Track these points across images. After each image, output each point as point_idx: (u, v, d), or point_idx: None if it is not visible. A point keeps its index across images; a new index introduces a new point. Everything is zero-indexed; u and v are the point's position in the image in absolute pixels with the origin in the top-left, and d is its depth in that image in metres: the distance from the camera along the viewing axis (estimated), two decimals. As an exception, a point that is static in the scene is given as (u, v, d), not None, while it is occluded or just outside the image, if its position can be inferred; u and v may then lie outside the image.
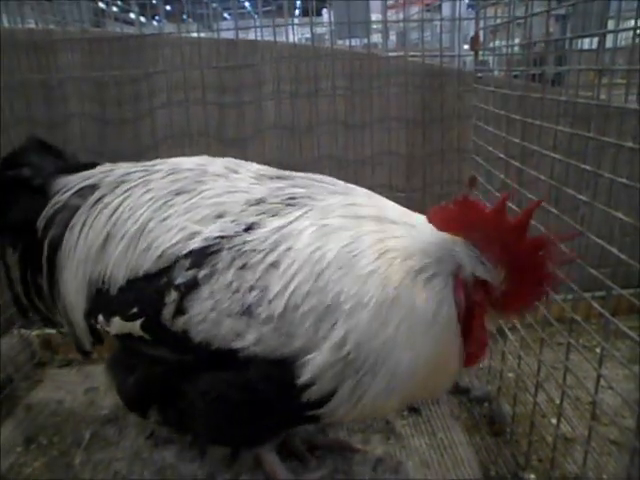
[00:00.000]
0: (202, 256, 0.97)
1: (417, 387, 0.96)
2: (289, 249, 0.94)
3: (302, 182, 1.09)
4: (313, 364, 0.91)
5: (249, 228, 0.97)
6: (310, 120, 2.03)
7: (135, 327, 1.05)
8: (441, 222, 0.93)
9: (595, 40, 1.19)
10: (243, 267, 0.94)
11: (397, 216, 1.00)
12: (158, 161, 1.23)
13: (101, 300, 1.12)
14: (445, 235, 0.92)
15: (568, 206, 1.21)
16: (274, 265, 0.93)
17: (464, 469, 1.38)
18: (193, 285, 0.96)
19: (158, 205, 1.08)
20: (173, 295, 0.98)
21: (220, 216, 1.01)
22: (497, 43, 1.88)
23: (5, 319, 1.84)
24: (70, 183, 1.23)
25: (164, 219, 1.05)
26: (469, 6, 3.98)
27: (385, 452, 1.44)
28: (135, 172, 1.19)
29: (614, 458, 1.31)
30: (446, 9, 3.06)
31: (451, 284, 0.92)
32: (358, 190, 1.11)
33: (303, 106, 2.02)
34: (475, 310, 0.93)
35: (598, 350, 1.08)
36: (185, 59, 1.94)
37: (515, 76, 1.60)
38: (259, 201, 1.02)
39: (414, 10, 2.68)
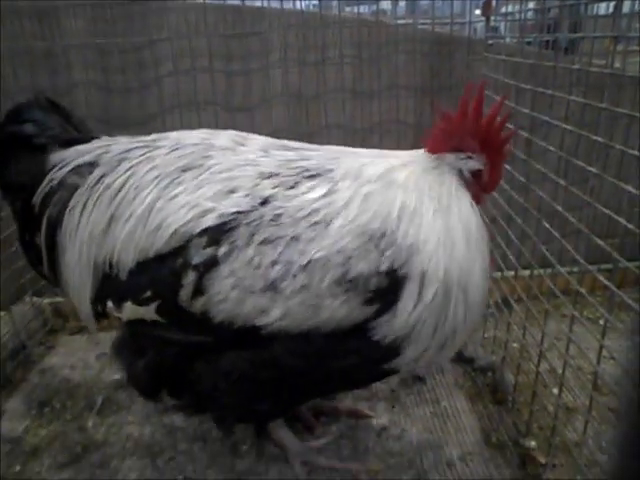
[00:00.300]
0: (219, 233, 0.94)
1: (483, 298, 1.04)
2: (310, 221, 0.92)
3: (308, 153, 1.07)
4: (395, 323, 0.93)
5: (265, 202, 0.95)
6: (318, 88, 2.00)
7: (149, 311, 1.02)
8: (432, 147, 1.04)
9: (612, 5, 1.16)
10: (264, 242, 0.91)
11: (399, 158, 1.06)
12: (158, 136, 1.17)
13: (110, 285, 1.08)
14: (439, 155, 1.03)
15: (577, 178, 1.20)
16: (296, 238, 0.91)
17: (466, 436, 1.41)
18: (212, 264, 0.93)
19: (165, 183, 1.04)
20: (191, 276, 0.95)
21: (233, 191, 0.98)
22: (509, 9, 1.83)
23: (17, 287, 1.87)
24: (67, 158, 1.17)
25: (173, 197, 1.01)
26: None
27: (390, 420, 1.48)
28: (136, 148, 1.13)
29: (613, 426, 1.33)
30: (458, -27, 2.96)
31: (464, 187, 1.03)
32: (355, 151, 1.10)
33: (311, 74, 1.99)
34: (475, 200, 1.05)
35: (602, 322, 1.09)
36: (191, 26, 1.91)
37: (528, 43, 1.57)
38: (272, 174, 0.99)
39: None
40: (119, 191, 1.08)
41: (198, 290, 0.95)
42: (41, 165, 1.19)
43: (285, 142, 1.14)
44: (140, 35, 1.92)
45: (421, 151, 1.06)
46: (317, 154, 1.06)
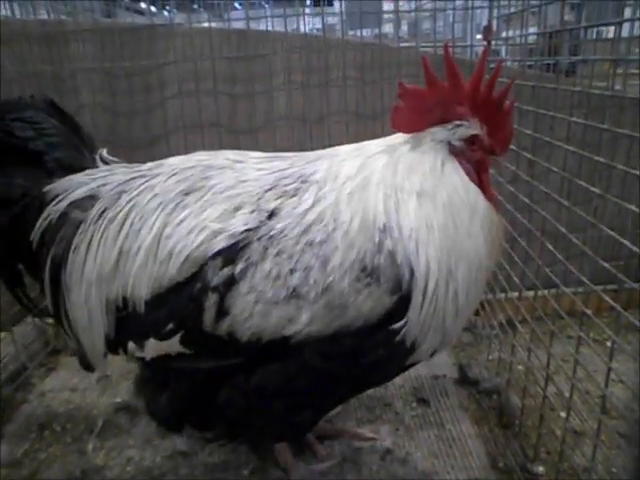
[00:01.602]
0: (233, 252, 0.93)
1: (490, 256, 1.00)
2: (319, 225, 0.93)
3: (297, 160, 1.07)
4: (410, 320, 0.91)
5: (272, 214, 0.95)
6: (321, 111, 2.02)
7: (173, 344, 0.99)
8: (408, 126, 1.00)
9: (611, 29, 1.17)
10: (278, 253, 0.92)
11: (378, 147, 1.02)
12: (154, 164, 1.15)
13: (128, 325, 1.04)
14: (418, 133, 0.99)
15: (580, 198, 1.20)
16: (309, 243, 0.91)
17: (472, 460, 1.38)
18: (231, 283, 0.93)
19: (170, 209, 1.02)
20: (212, 298, 0.94)
21: (238, 209, 0.97)
22: (510, 33, 1.85)
23: (19, 308, 1.86)
24: (67, 189, 1.11)
25: (180, 222, 0.99)
26: (482, -5, 3.93)
27: (394, 443, 1.45)
28: (134, 179, 1.10)
29: (623, 451, 1.30)
30: (459, -2, 3.01)
31: (456, 161, 0.98)
32: (334, 150, 1.09)
33: (314, 97, 2.01)
34: (479, 167, 1.00)
35: (609, 344, 1.08)
36: (196, 49, 1.94)
37: (529, 66, 1.58)
38: (272, 185, 0.99)
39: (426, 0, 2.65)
40: (123, 224, 1.04)
41: (221, 311, 0.94)
42: (34, 178, 1.12)
43: (276, 154, 1.13)
44: (147, 59, 1.96)
45: (399, 135, 1.03)
46: (301, 160, 1.07)
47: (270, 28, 2.00)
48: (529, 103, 1.42)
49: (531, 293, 1.46)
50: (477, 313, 1.94)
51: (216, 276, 0.93)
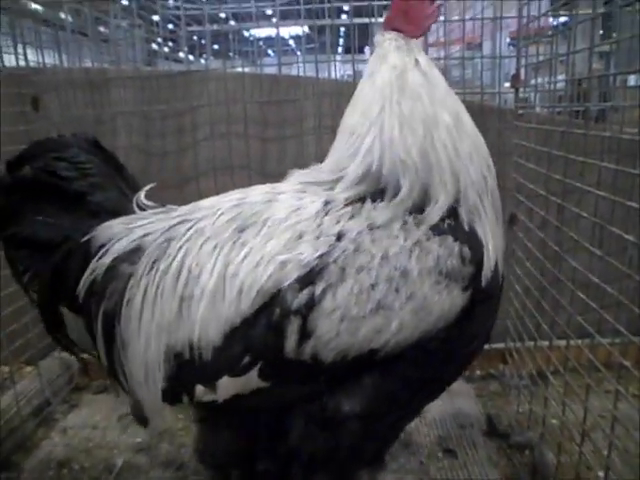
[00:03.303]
0: (311, 277, 0.94)
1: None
2: (390, 238, 0.95)
3: (334, 184, 1.08)
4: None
5: (340, 237, 0.96)
6: (349, 155, 2.04)
7: (250, 379, 0.96)
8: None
9: (641, 76, 1.17)
10: (357, 271, 0.94)
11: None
12: (189, 208, 1.13)
13: (194, 369, 1.00)
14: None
15: (614, 247, 1.17)
16: (385, 257, 0.94)
17: (502, 521, 1.30)
18: (312, 304, 0.93)
19: (228, 249, 1.01)
20: (295, 322, 0.93)
21: (301, 237, 0.98)
22: (539, 80, 1.86)
23: (48, 343, 1.89)
24: (106, 241, 1.08)
25: (243, 259, 0.99)
26: (510, 44, 4.00)
27: (418, 497, 1.38)
28: (177, 225, 1.08)
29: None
30: (487, 47, 3.07)
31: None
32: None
33: (343, 141, 2.04)
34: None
35: (649, 399, 1.02)
36: (229, 93, 2.01)
37: (558, 113, 1.58)
38: (326, 211, 1.00)
39: (455, 48, 2.70)
40: (180, 273, 1.03)
41: (305, 334, 0.93)
42: (76, 221, 1.10)
43: (305, 183, 1.12)
44: (182, 102, 2.03)
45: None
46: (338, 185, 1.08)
47: (302, 73, 2.06)
48: (559, 148, 1.41)
49: (563, 342, 1.40)
50: (505, 361, 1.88)
51: (296, 299, 0.93)
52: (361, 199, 1.01)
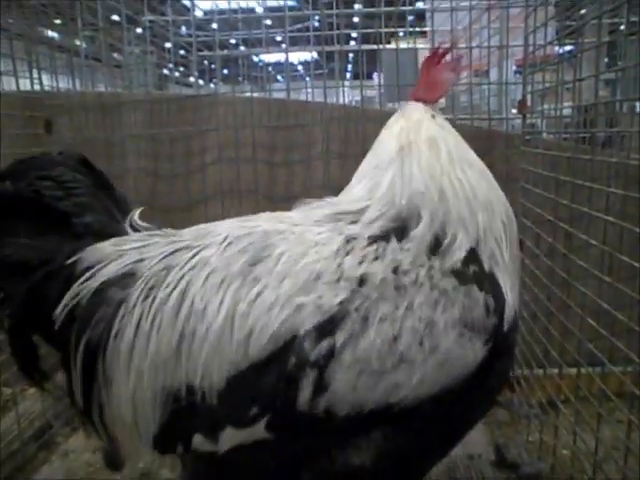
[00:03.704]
0: (330, 324, 0.87)
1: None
2: (416, 287, 0.90)
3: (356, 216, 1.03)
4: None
5: (362, 281, 0.89)
6: (357, 180, 2.05)
7: (256, 431, 0.88)
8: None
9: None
10: (380, 321, 0.87)
11: None
12: (193, 233, 1.03)
13: (193, 416, 0.90)
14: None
15: (623, 274, 1.15)
16: (409, 307, 0.88)
17: None
18: (331, 355, 0.86)
19: (238, 284, 0.92)
20: (311, 374, 0.86)
21: (319, 277, 0.90)
22: (545, 106, 1.87)
23: (50, 365, 1.88)
24: (94, 263, 0.97)
25: (256, 297, 0.90)
26: (516, 72, 4.04)
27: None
28: (178, 252, 0.98)
29: None
30: (493, 74, 3.10)
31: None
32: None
33: (352, 167, 2.04)
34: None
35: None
36: (238, 118, 2.03)
37: (564, 139, 1.59)
38: (347, 250, 0.93)
39: (462, 75, 2.74)
40: (181, 304, 0.92)
41: (320, 387, 0.86)
42: (59, 243, 1.00)
43: (322, 210, 1.07)
44: (190, 125, 2.06)
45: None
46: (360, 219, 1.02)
47: (310, 99, 2.09)
48: (565, 174, 1.40)
49: (573, 370, 1.37)
50: (513, 389, 1.84)
51: (315, 349, 0.86)
52: (385, 237, 0.95)
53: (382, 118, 1.97)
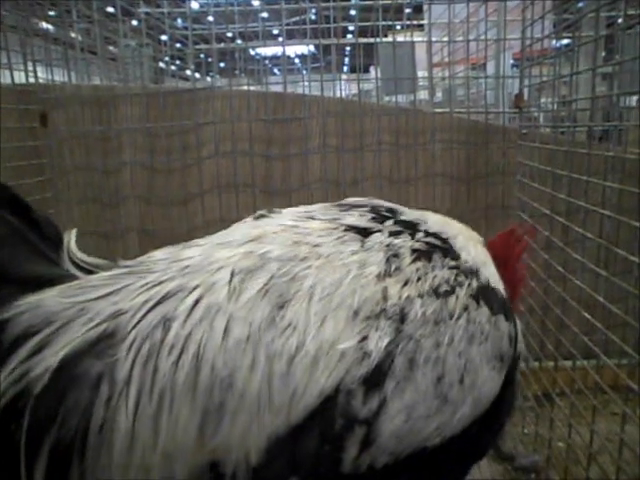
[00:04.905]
0: (377, 374, 0.77)
1: None
2: (452, 320, 0.82)
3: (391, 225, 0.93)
4: None
5: (404, 317, 0.78)
6: (355, 175, 2.05)
7: None
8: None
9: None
10: (425, 362, 0.78)
11: None
12: (178, 264, 0.80)
13: None
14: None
15: (619, 268, 1.16)
16: (449, 344, 0.80)
17: None
18: (379, 408, 0.76)
19: (269, 337, 0.74)
20: (359, 432, 0.74)
21: (358, 313, 0.77)
22: (542, 100, 1.87)
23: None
24: (40, 326, 0.70)
25: (295, 353, 0.74)
26: (513, 65, 4.04)
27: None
28: (168, 297, 0.75)
29: None
30: (490, 68, 3.10)
31: None
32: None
33: (349, 160, 2.05)
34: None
35: (657, 422, 1.00)
36: (234, 111, 2.03)
37: (561, 132, 1.59)
38: (386, 272, 0.81)
39: (459, 68, 2.73)
40: (199, 372, 0.72)
41: (366, 444, 0.76)
42: None
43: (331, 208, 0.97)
44: (187, 119, 2.05)
45: None
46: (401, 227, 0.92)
47: (307, 92, 2.08)
48: (562, 168, 1.41)
49: (569, 363, 1.38)
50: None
51: (365, 405, 0.74)
52: (430, 250, 0.87)
53: (379, 112, 2.00)
